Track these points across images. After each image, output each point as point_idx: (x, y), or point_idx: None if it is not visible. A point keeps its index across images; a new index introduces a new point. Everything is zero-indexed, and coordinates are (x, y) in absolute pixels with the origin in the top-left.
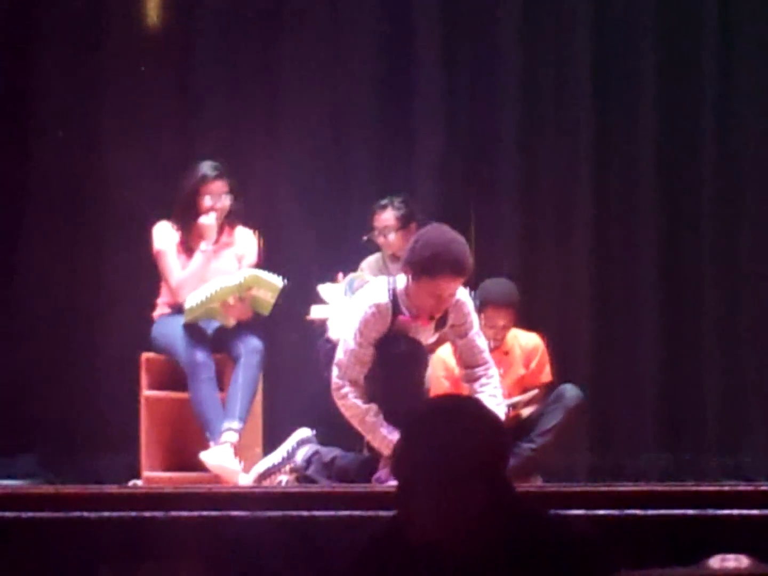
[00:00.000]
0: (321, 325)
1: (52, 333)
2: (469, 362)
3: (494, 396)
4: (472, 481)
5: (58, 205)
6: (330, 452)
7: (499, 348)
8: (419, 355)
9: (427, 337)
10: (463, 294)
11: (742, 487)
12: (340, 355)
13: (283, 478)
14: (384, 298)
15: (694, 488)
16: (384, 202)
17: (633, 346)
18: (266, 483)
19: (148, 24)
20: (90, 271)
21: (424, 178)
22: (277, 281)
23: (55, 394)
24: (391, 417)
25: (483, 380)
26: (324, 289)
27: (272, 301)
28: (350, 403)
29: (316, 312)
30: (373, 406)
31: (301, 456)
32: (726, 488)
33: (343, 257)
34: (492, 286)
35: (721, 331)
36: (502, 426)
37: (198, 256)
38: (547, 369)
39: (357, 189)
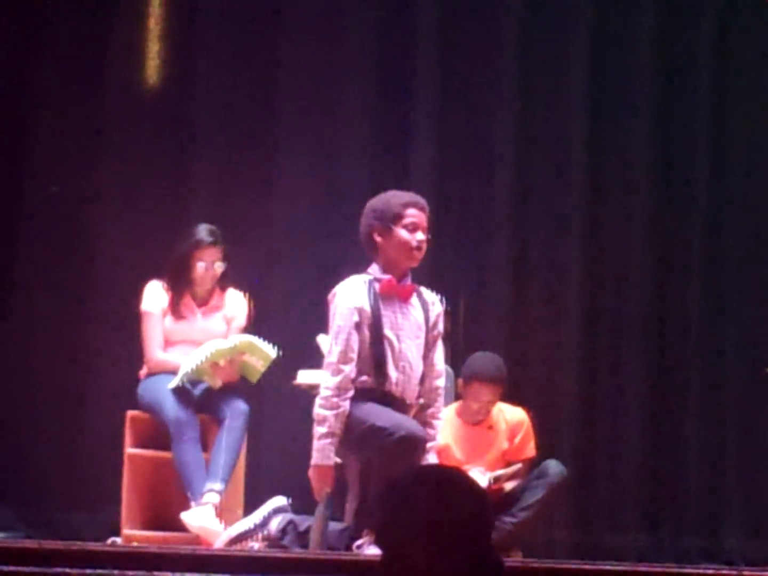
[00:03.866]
0: (307, 390)
1: (36, 386)
2: (434, 374)
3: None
4: (458, 550)
5: (49, 259)
6: (305, 521)
7: (483, 422)
8: (417, 439)
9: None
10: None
11: (726, 571)
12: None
13: (255, 545)
14: (356, 280)
15: (676, 570)
16: None
17: (618, 424)
18: (236, 548)
19: (145, 84)
20: (78, 326)
21: None
22: (271, 351)
23: (35, 447)
24: None
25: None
26: (323, 339)
27: (262, 369)
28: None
29: (303, 377)
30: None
31: (275, 525)
32: (710, 571)
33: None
34: (479, 360)
35: (704, 413)
36: (487, 497)
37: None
38: (532, 444)
39: (350, 254)
